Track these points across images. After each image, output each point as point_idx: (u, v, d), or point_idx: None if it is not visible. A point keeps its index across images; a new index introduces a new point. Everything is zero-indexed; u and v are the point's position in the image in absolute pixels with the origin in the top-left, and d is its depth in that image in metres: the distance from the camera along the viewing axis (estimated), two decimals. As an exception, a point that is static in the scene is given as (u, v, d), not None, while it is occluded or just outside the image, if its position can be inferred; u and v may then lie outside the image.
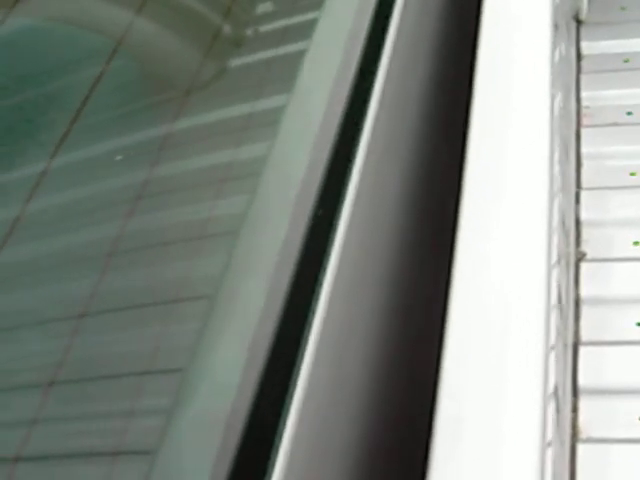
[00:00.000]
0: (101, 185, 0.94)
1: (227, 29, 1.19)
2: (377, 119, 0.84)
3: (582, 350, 1.22)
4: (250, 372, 0.64)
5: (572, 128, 1.53)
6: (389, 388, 0.76)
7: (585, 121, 1.56)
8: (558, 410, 0.94)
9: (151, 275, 0.87)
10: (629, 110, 1.57)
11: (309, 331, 0.67)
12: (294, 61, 0.96)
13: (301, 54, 0.96)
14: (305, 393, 0.64)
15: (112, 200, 0.93)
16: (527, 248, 0.77)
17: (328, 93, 0.86)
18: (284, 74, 1.02)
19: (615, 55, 1.68)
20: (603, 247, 1.35)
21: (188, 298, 0.83)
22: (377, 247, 0.82)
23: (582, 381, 1.19)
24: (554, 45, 1.00)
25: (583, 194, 1.44)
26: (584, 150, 1.51)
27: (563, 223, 1.19)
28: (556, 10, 1.08)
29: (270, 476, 0.59)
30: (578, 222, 1.39)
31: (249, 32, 1.22)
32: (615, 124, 1.56)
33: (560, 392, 0.99)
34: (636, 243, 1.35)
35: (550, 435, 0.73)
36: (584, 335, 1.24)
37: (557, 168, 1.04)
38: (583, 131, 1.55)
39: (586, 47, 1.71)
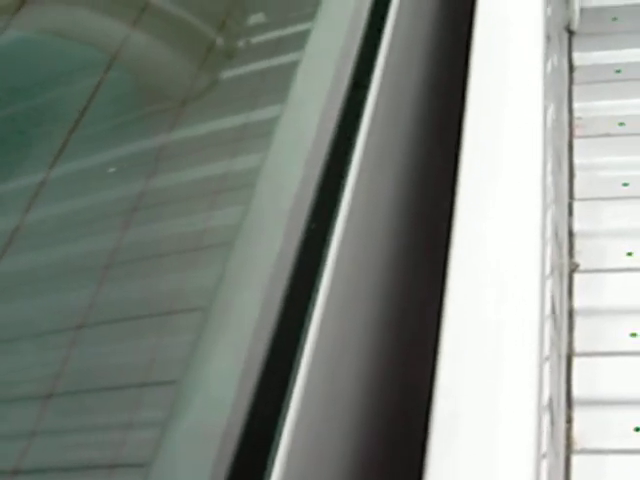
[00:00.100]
0: (97, 197, 0.94)
1: (221, 41, 1.19)
2: (371, 127, 0.84)
3: (576, 361, 1.22)
4: (244, 384, 0.64)
5: (565, 139, 1.53)
6: (382, 402, 0.76)
7: (578, 132, 1.56)
8: (552, 422, 0.94)
9: (146, 287, 0.87)
10: (621, 121, 1.57)
11: (303, 343, 0.67)
12: (288, 72, 0.96)
13: (295, 64, 0.97)
14: (299, 405, 0.64)
15: (108, 212, 0.93)
16: (521, 260, 0.77)
17: (322, 103, 0.86)
18: (278, 85, 1.02)
19: (607, 66, 1.68)
20: (596, 258, 1.35)
21: (183, 310, 0.83)
22: (371, 255, 0.83)
23: (576, 392, 1.19)
24: (546, 56, 1.00)
25: (576, 205, 1.44)
26: (577, 161, 1.51)
27: (556, 234, 1.20)
28: (548, 21, 1.09)
29: (264, 489, 0.59)
30: (571, 233, 1.39)
31: (242, 44, 1.22)
32: (607, 135, 1.56)
33: (554, 403, 0.99)
34: (629, 254, 1.35)
35: (545, 447, 0.73)
36: (578, 346, 1.24)
37: (550, 179, 1.04)
38: (576, 142, 1.55)
39: (578, 58, 1.71)
